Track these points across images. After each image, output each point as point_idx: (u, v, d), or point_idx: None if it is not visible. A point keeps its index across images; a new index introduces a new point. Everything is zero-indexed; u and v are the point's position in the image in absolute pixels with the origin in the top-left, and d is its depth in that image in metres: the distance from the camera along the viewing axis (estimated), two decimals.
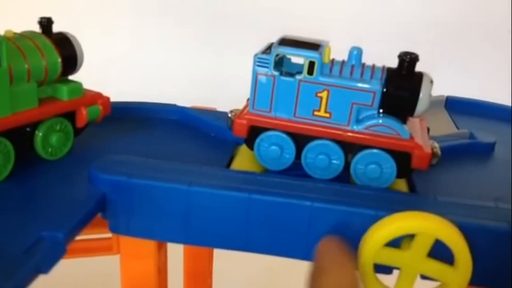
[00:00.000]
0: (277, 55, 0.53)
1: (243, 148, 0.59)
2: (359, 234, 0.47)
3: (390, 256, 0.46)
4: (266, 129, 0.53)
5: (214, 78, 1.07)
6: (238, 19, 1.07)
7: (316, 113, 0.52)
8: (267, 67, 0.52)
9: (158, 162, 0.51)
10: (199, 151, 0.60)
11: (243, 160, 0.57)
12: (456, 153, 0.64)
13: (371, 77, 0.53)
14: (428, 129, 0.58)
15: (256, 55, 0.53)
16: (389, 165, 0.53)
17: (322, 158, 0.54)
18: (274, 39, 0.55)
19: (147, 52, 1.13)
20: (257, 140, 0.54)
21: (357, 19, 1.03)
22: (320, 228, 0.48)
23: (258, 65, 0.53)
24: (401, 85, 0.52)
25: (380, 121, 0.52)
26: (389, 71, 0.53)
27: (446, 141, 0.65)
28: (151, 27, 1.12)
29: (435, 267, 0.46)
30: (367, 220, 0.47)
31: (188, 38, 1.10)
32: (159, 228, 0.50)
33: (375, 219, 0.47)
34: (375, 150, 0.53)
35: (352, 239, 0.47)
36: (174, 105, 0.68)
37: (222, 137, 0.62)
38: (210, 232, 0.49)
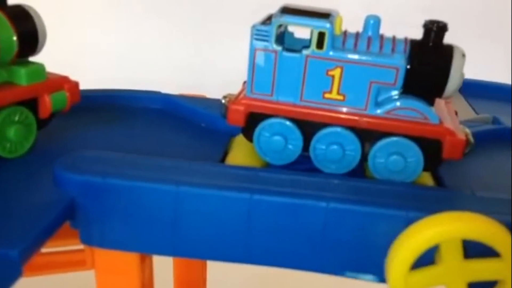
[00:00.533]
0: (279, 25, 0.45)
1: (239, 139, 0.52)
2: (386, 241, 0.40)
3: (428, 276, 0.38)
4: (267, 116, 0.47)
5: (203, 63, 0.98)
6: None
7: (327, 95, 0.45)
8: (267, 40, 0.45)
9: (139, 158, 0.45)
10: (187, 144, 0.53)
11: (240, 154, 0.50)
12: (482, 140, 0.56)
13: (392, 50, 0.45)
14: (456, 113, 0.50)
15: (254, 26, 0.45)
16: (415, 155, 0.45)
17: (335, 149, 0.46)
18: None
19: (127, 37, 1.03)
20: (257, 130, 0.47)
21: None
22: (337, 234, 0.41)
23: (256, 39, 0.45)
24: (429, 59, 0.44)
25: (404, 103, 0.45)
26: (413, 43, 0.45)
27: (470, 127, 0.57)
28: (129, 11, 1.02)
29: (483, 267, 0.38)
30: (396, 223, 0.40)
31: (173, 21, 1.00)
32: (142, 238, 0.43)
33: (406, 221, 0.40)
34: (397, 138, 0.45)
35: (377, 247, 0.40)
36: (158, 93, 0.62)
37: (214, 128, 0.56)
38: (204, 242, 0.42)
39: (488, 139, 0.57)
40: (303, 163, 0.48)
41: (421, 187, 0.45)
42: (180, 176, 0.42)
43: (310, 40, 0.45)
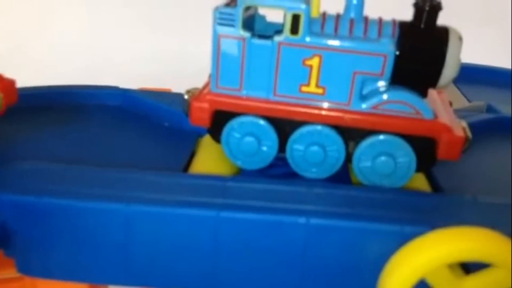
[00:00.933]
0: (246, 8, 0.38)
1: (208, 140, 0.46)
2: (377, 262, 0.34)
3: None
4: (236, 114, 0.41)
5: (168, 53, 0.87)
6: None
7: (304, 88, 0.40)
8: (232, 25, 0.39)
9: (85, 170, 0.39)
10: (148, 147, 0.47)
11: (207, 158, 0.45)
12: (478, 131, 0.50)
13: (379, 34, 0.39)
14: (451, 104, 0.44)
15: (216, 8, 0.39)
16: (406, 156, 0.40)
17: (315, 150, 0.40)
18: None
19: (78, 27, 0.91)
20: (225, 130, 0.42)
21: None
22: (320, 254, 0.35)
23: (219, 23, 0.39)
24: (421, 44, 0.39)
25: (393, 95, 0.39)
26: (403, 26, 0.39)
27: (463, 117, 0.51)
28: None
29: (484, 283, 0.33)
30: (389, 240, 0.35)
31: (133, 7, 0.90)
32: (89, 266, 0.37)
33: (400, 238, 0.34)
34: (385, 136, 0.40)
35: (367, 269, 0.35)
36: (116, 88, 0.55)
37: (179, 127, 0.50)
38: (162, 268, 0.37)
39: (484, 130, 0.52)
40: (280, 167, 0.43)
41: (416, 193, 0.40)
42: (132, 191, 0.37)
43: (283, 25, 0.39)
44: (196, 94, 0.42)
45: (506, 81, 0.68)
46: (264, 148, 0.41)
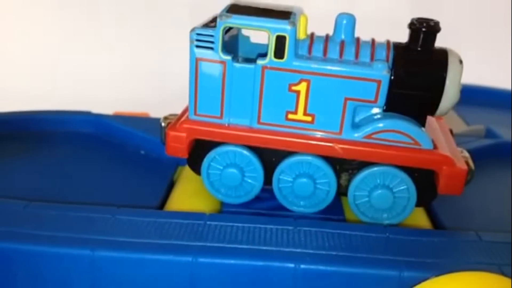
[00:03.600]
0: (226, 28, 0.35)
1: (188, 169, 0.42)
2: None
3: None
4: (217, 144, 0.38)
5: (146, 74, 0.80)
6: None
7: (291, 116, 0.37)
8: (211, 48, 0.36)
9: (46, 208, 0.35)
10: (123, 178, 0.44)
11: (188, 190, 0.41)
12: (479, 158, 0.46)
13: (371, 58, 0.36)
14: (452, 132, 0.41)
15: (193, 30, 0.36)
16: (405, 189, 0.36)
17: (304, 182, 0.37)
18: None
19: (47, 47, 0.82)
20: (205, 161, 0.38)
21: None
22: None
23: (198, 46, 0.36)
24: (418, 68, 0.35)
25: (389, 124, 0.36)
26: (398, 48, 0.36)
27: (463, 143, 0.47)
28: (51, 15, 0.81)
29: None
30: (386, 287, 0.31)
31: (107, 26, 0.81)
32: None
33: (399, 284, 0.31)
34: (382, 167, 0.36)
35: None
36: (88, 113, 0.52)
37: (157, 156, 0.46)
38: None
39: (484, 157, 0.48)
40: (265, 200, 0.39)
41: (415, 232, 0.36)
42: (98, 234, 0.33)
43: (267, 47, 0.35)
44: (173, 121, 0.39)
45: (506, 102, 0.65)
46: (249, 180, 0.38)
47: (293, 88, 0.36)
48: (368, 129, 0.36)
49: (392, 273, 0.31)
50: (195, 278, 0.32)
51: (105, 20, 0.76)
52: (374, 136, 0.36)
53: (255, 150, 0.37)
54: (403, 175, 0.36)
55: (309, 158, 0.37)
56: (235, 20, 0.35)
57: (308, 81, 0.35)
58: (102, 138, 0.50)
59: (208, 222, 0.35)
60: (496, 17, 0.77)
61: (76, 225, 0.34)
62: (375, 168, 0.36)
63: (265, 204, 0.39)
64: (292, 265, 0.31)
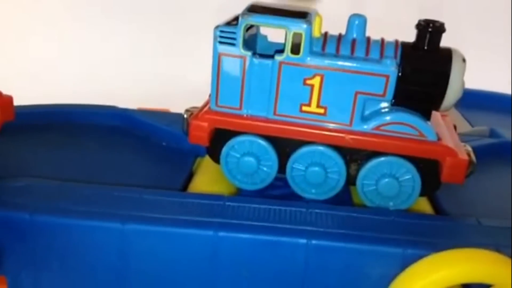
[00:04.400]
0: (247, 26, 0.38)
1: (206, 160, 0.46)
2: (379, 284, 0.33)
3: None
4: (236, 133, 0.40)
5: (167, 73, 0.84)
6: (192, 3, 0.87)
7: (305, 108, 0.39)
8: (233, 44, 0.38)
9: (79, 187, 0.38)
10: (146, 167, 0.46)
11: (206, 178, 0.44)
12: (481, 156, 0.49)
13: (381, 55, 0.38)
14: (455, 127, 0.43)
15: (217, 27, 0.38)
16: (410, 178, 0.39)
17: (315, 171, 0.39)
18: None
19: (78, 47, 0.88)
20: (224, 149, 0.41)
21: None
22: (320, 276, 0.34)
23: (221, 42, 0.38)
24: (424, 65, 0.38)
25: (396, 117, 0.38)
26: (405, 46, 0.39)
27: (467, 142, 0.50)
28: (81, 18, 0.87)
29: None
30: (391, 263, 0.34)
31: (131, 28, 0.87)
32: (83, 285, 0.36)
33: (402, 260, 0.33)
34: (390, 157, 0.39)
35: None
36: (114, 107, 0.54)
37: (178, 147, 0.49)
38: None
39: (487, 154, 0.51)
40: (278, 188, 0.42)
41: (418, 215, 0.38)
42: (127, 210, 0.36)
43: (284, 44, 0.38)
44: (195, 112, 0.42)
45: (508, 107, 0.67)
46: (264, 168, 0.40)
47: (308, 82, 0.38)
48: (376, 121, 0.38)
49: (396, 250, 0.33)
50: (216, 251, 0.34)
51: (130, 22, 0.79)
52: (382, 128, 0.38)
53: (270, 140, 0.40)
54: (408, 165, 0.38)
55: (321, 148, 0.39)
56: (256, 18, 0.38)
57: (322, 76, 0.38)
58: (126, 131, 0.52)
59: (227, 203, 0.37)
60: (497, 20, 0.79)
61: (107, 202, 0.36)
62: (382, 158, 0.39)
63: (278, 191, 0.41)
64: (304, 241, 0.34)
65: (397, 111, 0.38)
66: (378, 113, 0.38)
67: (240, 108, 0.39)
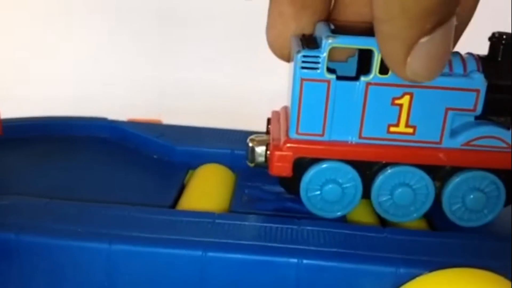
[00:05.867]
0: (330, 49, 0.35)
1: (198, 172, 0.46)
2: None
3: None
4: (315, 161, 0.38)
5: (160, 82, 0.77)
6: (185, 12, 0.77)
7: (393, 129, 0.37)
8: (317, 68, 0.36)
9: (66, 205, 0.38)
10: (136, 180, 0.45)
11: (197, 192, 0.43)
12: None
13: (464, 70, 0.36)
14: None
15: (299, 52, 0.35)
16: (495, 188, 0.38)
17: (403, 192, 0.37)
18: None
19: (64, 56, 0.79)
20: (305, 179, 0.38)
21: None
22: None
23: (303, 67, 0.36)
24: (505, 78, 0.37)
25: (485, 130, 0.37)
26: (484, 60, 0.37)
27: None
28: (69, 29, 0.78)
29: None
30: (384, 282, 0.33)
31: (122, 35, 0.78)
32: None
33: (395, 280, 0.33)
34: (476, 172, 0.37)
35: None
36: (104, 119, 0.53)
37: (169, 159, 0.48)
38: None
39: None
40: (271, 202, 0.41)
41: (412, 232, 0.37)
42: (115, 229, 0.35)
43: (365, 66, 0.36)
44: (260, 140, 0.39)
45: None
46: (348, 194, 0.38)
47: (396, 101, 0.36)
48: (466, 137, 0.37)
49: (389, 269, 0.33)
50: (204, 271, 0.33)
51: (120, 31, 0.75)
52: (472, 143, 0.37)
53: (354, 164, 0.37)
54: (492, 176, 0.37)
55: (409, 167, 0.37)
56: (342, 40, 0.35)
57: (411, 94, 0.36)
58: (116, 143, 0.51)
59: (217, 221, 0.36)
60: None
61: (94, 221, 0.35)
62: (472, 173, 0.37)
63: (271, 205, 0.41)
64: (295, 260, 0.33)
65: (484, 124, 0.37)
66: (466, 128, 0.37)
67: (323, 134, 0.37)
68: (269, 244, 0.34)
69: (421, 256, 0.34)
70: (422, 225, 0.40)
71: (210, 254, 0.33)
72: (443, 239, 0.37)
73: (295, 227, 0.36)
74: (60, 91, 0.73)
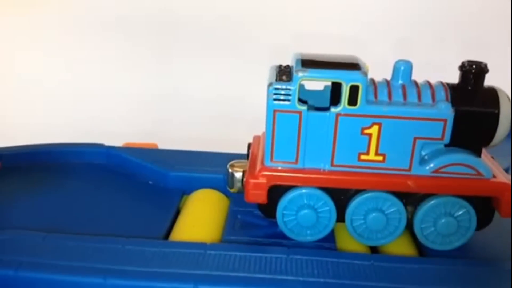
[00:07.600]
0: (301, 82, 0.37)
1: (192, 197, 0.47)
2: None
3: None
4: (290, 188, 0.40)
5: (156, 105, 0.75)
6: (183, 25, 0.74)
7: (363, 157, 0.39)
8: (288, 100, 0.37)
9: (63, 239, 0.39)
10: (132, 207, 0.46)
11: (192, 217, 0.44)
12: None
13: (433, 99, 0.38)
14: (493, 158, 0.44)
15: (270, 84, 0.37)
16: (465, 212, 0.39)
17: (376, 217, 0.39)
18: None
19: (58, 81, 0.76)
20: (281, 204, 0.40)
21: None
22: None
23: (275, 99, 0.37)
24: (474, 107, 0.38)
25: (455, 158, 0.38)
26: (453, 89, 0.39)
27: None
28: (65, 53, 0.75)
29: None
30: None
31: (116, 60, 0.75)
32: None
33: None
34: (445, 198, 0.39)
35: None
36: (100, 145, 0.54)
37: (163, 185, 0.49)
38: None
39: None
40: (262, 228, 0.42)
41: (399, 259, 0.38)
42: (109, 263, 0.36)
43: (338, 96, 0.37)
44: (237, 166, 0.41)
45: None
46: (322, 219, 0.39)
47: (366, 131, 0.37)
48: (435, 164, 0.38)
49: None
50: None
51: (115, 57, 0.73)
52: (441, 170, 0.38)
53: (327, 190, 0.39)
54: (463, 202, 0.38)
55: (381, 194, 0.38)
56: (312, 74, 0.37)
57: (380, 124, 0.37)
58: (113, 169, 0.51)
59: (208, 252, 0.37)
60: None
61: (90, 255, 0.36)
62: (440, 199, 0.38)
63: (262, 231, 0.41)
64: None
65: (453, 152, 0.38)
66: (435, 155, 0.38)
67: (296, 162, 0.38)
68: (258, 275, 0.35)
69: (407, 284, 0.35)
70: (411, 250, 0.41)
71: (201, 287, 0.34)
72: (429, 265, 0.37)
73: (284, 256, 0.37)
74: (57, 119, 0.74)
